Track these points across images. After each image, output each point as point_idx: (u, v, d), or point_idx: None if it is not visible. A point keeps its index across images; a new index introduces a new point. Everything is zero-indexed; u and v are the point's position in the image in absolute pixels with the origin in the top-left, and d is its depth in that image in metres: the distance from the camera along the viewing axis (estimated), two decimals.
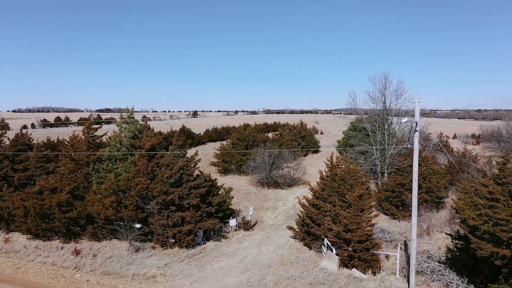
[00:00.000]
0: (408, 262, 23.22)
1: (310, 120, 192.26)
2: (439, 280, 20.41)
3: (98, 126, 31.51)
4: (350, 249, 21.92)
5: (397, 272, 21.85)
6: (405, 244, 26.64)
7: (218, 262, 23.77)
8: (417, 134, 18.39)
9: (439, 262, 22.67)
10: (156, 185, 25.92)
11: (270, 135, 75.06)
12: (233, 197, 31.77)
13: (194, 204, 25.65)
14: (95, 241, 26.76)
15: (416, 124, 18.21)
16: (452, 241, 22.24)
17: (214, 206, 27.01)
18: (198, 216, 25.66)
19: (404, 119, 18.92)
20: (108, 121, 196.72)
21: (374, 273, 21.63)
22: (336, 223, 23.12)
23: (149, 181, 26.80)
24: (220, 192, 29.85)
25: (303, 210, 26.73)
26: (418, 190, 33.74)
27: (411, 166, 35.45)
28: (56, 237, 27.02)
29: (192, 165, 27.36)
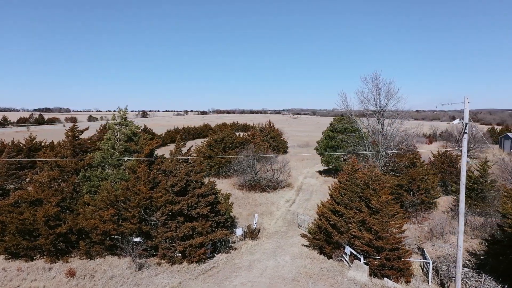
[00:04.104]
0: (433, 268, 22.54)
1: (263, 120, 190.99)
2: (475, 287, 19.83)
3: (84, 128, 27.79)
4: (382, 257, 20.76)
5: (429, 280, 21.05)
6: (418, 249, 26.04)
7: (236, 277, 21.59)
8: (465, 136, 17.58)
9: (465, 266, 22.18)
10: (159, 194, 23.15)
11: (240, 135, 72.81)
12: (233, 204, 29.58)
13: (204, 214, 23.27)
14: (88, 259, 23.42)
15: (466, 126, 17.38)
16: (487, 246, 21.83)
17: (223, 215, 24.77)
18: (209, 227, 23.31)
19: (456, 121, 17.99)
20: (52, 121, 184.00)
21: (407, 282, 20.66)
22: (362, 230, 21.89)
23: (149, 189, 23.92)
24: (219, 199, 27.59)
25: (318, 217, 25.20)
26: (417, 191, 33.70)
27: (407, 167, 35.35)
28: (39, 256, 23.38)
29: (197, 171, 24.91)
